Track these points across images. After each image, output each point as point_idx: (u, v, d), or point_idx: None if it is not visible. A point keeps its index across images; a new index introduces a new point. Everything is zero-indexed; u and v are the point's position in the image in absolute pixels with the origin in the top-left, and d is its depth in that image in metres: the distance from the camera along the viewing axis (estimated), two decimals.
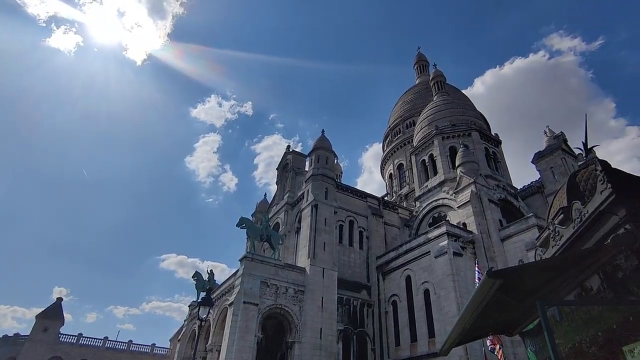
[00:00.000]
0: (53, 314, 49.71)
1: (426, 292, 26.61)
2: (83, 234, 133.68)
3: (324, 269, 28.12)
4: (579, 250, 3.96)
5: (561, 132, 38.03)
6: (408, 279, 28.54)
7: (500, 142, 40.53)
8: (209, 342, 27.65)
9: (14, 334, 50.81)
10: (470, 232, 28.42)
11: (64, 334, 50.15)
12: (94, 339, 52.17)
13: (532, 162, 36.65)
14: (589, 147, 6.25)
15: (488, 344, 10.16)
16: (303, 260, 29.05)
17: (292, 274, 27.39)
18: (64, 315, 51.83)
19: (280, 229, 35.11)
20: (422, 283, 27.06)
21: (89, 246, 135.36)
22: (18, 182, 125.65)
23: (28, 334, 48.16)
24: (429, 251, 27.26)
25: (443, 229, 27.22)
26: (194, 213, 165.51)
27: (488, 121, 48.77)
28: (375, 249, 33.20)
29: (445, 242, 26.28)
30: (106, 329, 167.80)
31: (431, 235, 28.00)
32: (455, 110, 42.18)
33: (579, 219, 4.02)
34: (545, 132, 39.69)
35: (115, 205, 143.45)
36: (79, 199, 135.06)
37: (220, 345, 24.91)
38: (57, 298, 54.34)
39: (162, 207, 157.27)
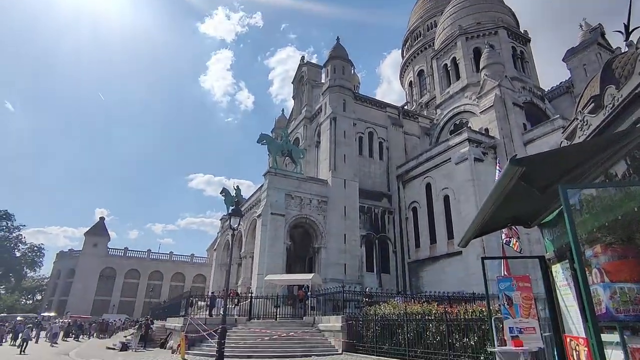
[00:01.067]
0: (99, 231, 54.54)
1: (446, 198, 27.31)
2: (111, 159, 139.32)
3: (345, 180, 28.89)
4: (608, 134, 3.90)
5: (599, 24, 34.53)
6: (428, 186, 29.16)
7: (529, 40, 37.54)
8: (242, 250, 30.13)
9: (69, 249, 56.63)
10: (492, 138, 27.96)
11: (112, 248, 55.56)
12: (139, 251, 57.61)
13: (563, 60, 34.11)
14: (631, 30, 5.72)
15: (503, 237, 10.65)
16: (324, 173, 29.79)
17: (315, 186, 28.37)
18: (109, 232, 56.85)
19: (300, 144, 35.43)
20: (442, 189, 27.65)
21: (120, 170, 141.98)
22: (43, 112, 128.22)
23: (80, 249, 53.55)
24: (450, 158, 27.31)
25: (464, 136, 26.86)
26: (215, 133, 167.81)
27: (517, 17, 44.54)
28: (395, 159, 33.45)
29: (466, 148, 26.11)
30: (148, 243, 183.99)
31: (452, 142, 27.78)
32: (481, 6, 38.49)
33: (611, 105, 3.87)
34: (581, 26, 36.11)
35: (137, 129, 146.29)
36: (100, 125, 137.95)
37: (253, 252, 27.17)
38: (99, 218, 58.99)
39: (183, 128, 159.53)
